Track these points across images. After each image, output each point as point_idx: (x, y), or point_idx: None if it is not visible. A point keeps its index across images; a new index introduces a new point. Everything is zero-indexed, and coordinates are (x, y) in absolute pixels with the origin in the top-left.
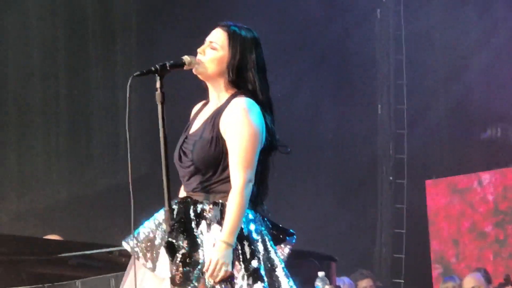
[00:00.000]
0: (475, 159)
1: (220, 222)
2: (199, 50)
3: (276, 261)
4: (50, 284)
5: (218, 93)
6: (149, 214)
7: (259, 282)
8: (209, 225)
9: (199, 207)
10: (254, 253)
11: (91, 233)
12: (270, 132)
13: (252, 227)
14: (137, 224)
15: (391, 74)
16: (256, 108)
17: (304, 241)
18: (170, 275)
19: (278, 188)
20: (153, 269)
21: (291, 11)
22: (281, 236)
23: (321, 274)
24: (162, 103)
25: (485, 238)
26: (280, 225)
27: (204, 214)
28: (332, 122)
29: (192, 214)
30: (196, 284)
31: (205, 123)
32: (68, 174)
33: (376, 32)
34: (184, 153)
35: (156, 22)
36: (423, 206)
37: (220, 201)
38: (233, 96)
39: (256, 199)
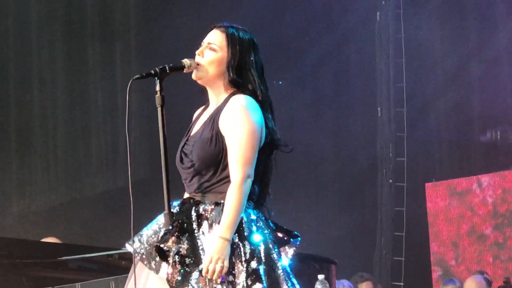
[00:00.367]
0: (474, 162)
1: None
2: (197, 52)
3: (277, 263)
4: (50, 287)
5: (217, 95)
6: (148, 217)
7: (257, 283)
8: (210, 225)
9: (201, 207)
10: (254, 254)
11: (90, 236)
12: (270, 130)
13: (253, 228)
14: (137, 227)
15: (391, 77)
16: (255, 106)
17: (304, 244)
18: (165, 276)
19: (278, 192)
20: (157, 271)
21: (291, 14)
22: (285, 238)
23: (321, 277)
24: (162, 106)
25: (485, 240)
26: (284, 227)
27: (206, 214)
28: (332, 124)
29: (194, 215)
30: (195, 285)
31: (205, 123)
32: (67, 177)
33: (376, 35)
34: (185, 154)
35: (155, 24)
36: (423, 208)
37: (222, 201)
38: (232, 95)
39: (259, 199)
